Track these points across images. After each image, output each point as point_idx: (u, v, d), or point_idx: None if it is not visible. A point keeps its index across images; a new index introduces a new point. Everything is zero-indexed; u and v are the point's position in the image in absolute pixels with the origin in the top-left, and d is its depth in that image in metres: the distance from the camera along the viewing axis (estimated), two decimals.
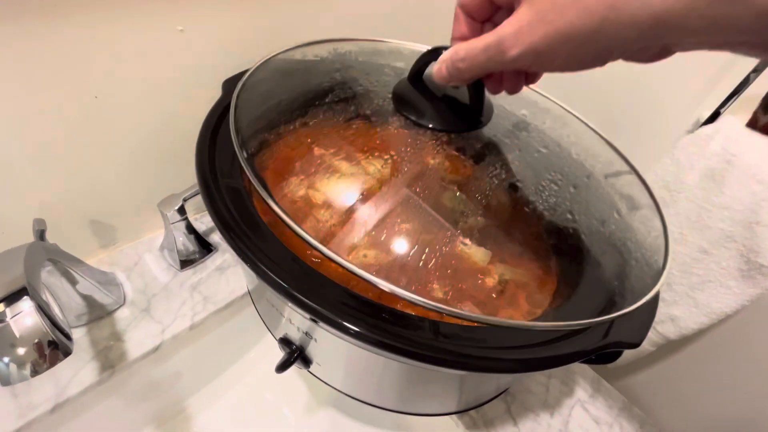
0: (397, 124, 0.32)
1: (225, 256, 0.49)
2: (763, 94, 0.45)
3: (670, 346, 0.63)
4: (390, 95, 0.32)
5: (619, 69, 0.56)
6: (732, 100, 0.43)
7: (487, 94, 0.28)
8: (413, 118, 0.29)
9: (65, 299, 0.38)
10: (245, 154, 0.29)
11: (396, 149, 0.33)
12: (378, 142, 0.34)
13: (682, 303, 0.52)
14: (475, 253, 0.32)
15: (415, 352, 0.21)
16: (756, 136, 0.43)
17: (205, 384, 0.50)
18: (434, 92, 0.30)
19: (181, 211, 0.42)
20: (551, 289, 0.32)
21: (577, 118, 0.39)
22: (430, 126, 0.29)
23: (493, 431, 0.39)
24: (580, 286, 0.28)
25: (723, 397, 0.60)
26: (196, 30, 0.38)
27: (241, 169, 0.33)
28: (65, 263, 0.36)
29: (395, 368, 0.29)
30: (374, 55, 0.43)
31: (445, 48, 0.25)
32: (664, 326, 0.54)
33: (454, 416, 0.40)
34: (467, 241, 0.32)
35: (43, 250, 0.32)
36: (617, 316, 0.23)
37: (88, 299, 0.39)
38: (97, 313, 0.40)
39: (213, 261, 0.48)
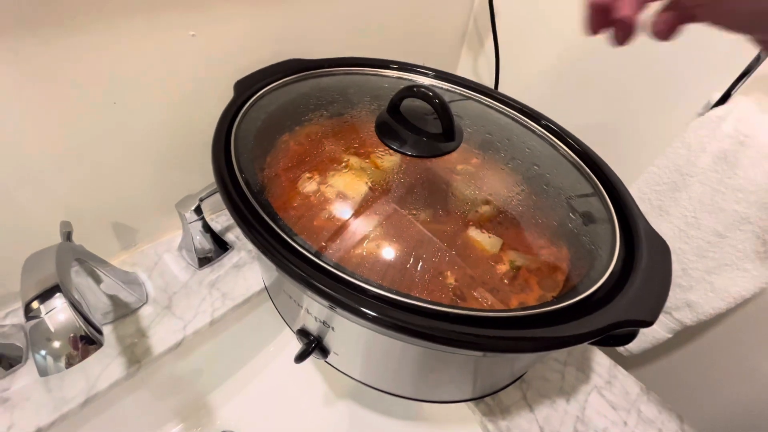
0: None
1: (241, 254, 0.50)
2: None
3: (688, 333, 0.63)
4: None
5: (628, 57, 0.55)
6: (743, 80, 0.43)
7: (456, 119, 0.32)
8: (395, 146, 0.32)
9: (92, 298, 0.39)
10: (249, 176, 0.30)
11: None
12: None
13: (699, 288, 0.51)
14: (486, 241, 0.33)
15: (425, 333, 0.22)
16: None
17: (226, 379, 0.51)
18: (410, 121, 0.33)
19: (198, 211, 0.44)
20: (564, 273, 0.32)
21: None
22: (410, 154, 0.32)
23: (509, 417, 0.40)
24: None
25: (743, 384, 0.59)
26: (207, 35, 0.39)
27: (256, 166, 0.35)
28: (91, 263, 0.37)
29: (411, 354, 0.30)
30: (359, 85, 0.44)
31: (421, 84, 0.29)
32: (681, 312, 0.54)
33: (470, 403, 0.40)
34: (478, 230, 0.33)
35: (70, 251, 0.33)
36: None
37: (113, 298, 0.41)
38: (122, 311, 0.42)
39: (230, 259, 0.49)
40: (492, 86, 0.68)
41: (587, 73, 0.60)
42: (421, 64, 0.48)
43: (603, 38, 0.23)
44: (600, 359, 0.46)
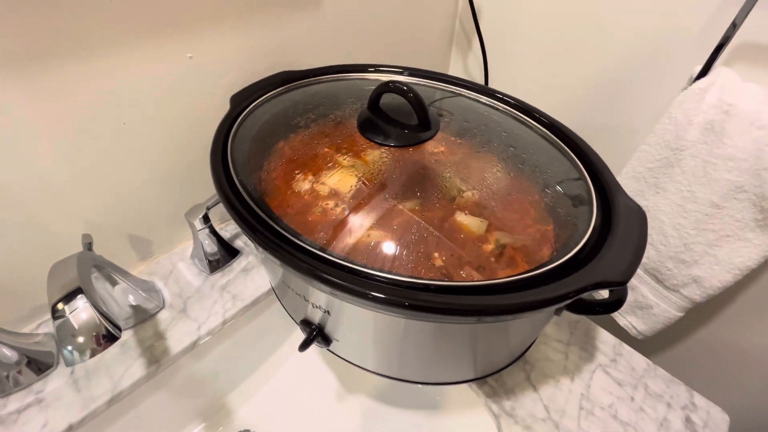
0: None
1: (249, 258, 0.53)
2: (754, 41, 0.44)
3: (705, 314, 0.62)
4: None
5: (609, 42, 0.56)
6: (722, 50, 0.43)
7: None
8: (376, 140, 0.34)
9: (113, 304, 0.42)
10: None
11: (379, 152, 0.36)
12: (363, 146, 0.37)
13: (703, 262, 0.51)
14: (472, 223, 0.34)
15: (409, 304, 0.24)
16: (750, 84, 0.43)
17: (243, 380, 0.54)
18: (389, 115, 0.35)
19: (206, 219, 0.47)
20: (549, 248, 0.33)
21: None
22: (389, 144, 0.34)
23: (513, 398, 0.40)
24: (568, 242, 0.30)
25: (765, 363, 0.58)
26: (204, 55, 0.43)
27: (253, 171, 0.37)
28: (112, 272, 0.41)
29: (406, 331, 0.31)
30: (345, 89, 0.47)
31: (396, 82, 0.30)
32: (688, 289, 0.53)
33: (474, 386, 0.41)
34: (464, 213, 0.34)
35: (90, 258, 0.36)
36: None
37: (133, 305, 0.44)
38: (141, 316, 0.45)
39: (239, 264, 0.52)
40: (482, 83, 0.69)
41: (571, 62, 0.61)
42: (412, 67, 0.50)
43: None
44: (604, 337, 0.46)
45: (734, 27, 0.42)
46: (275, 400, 0.53)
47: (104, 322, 0.30)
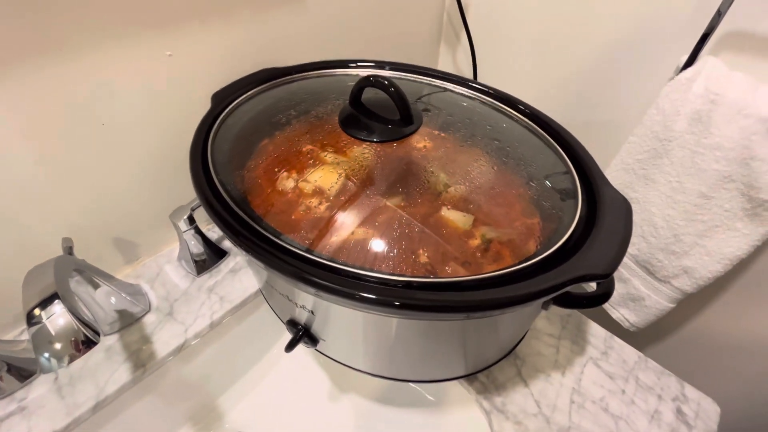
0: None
1: (237, 259, 0.52)
2: (740, 29, 0.44)
3: (693, 303, 0.62)
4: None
5: (598, 34, 0.56)
6: (707, 39, 0.43)
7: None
8: (361, 136, 0.34)
9: (98, 311, 0.42)
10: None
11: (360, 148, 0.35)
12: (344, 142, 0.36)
13: (693, 253, 0.50)
14: (458, 218, 0.34)
15: (393, 303, 0.23)
16: (737, 72, 0.42)
17: (234, 382, 0.53)
18: (371, 110, 0.35)
19: (191, 220, 0.46)
20: (536, 242, 0.33)
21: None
22: (371, 140, 0.33)
23: (504, 393, 0.40)
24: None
25: (755, 353, 0.58)
26: (183, 53, 0.42)
27: (234, 169, 0.37)
28: (93, 275, 0.40)
29: (391, 329, 0.31)
30: (328, 85, 0.46)
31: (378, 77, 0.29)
32: (679, 280, 0.53)
33: (464, 383, 0.41)
34: (449, 208, 0.34)
35: (71, 262, 0.36)
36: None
37: (118, 309, 0.43)
38: (127, 320, 0.44)
39: (226, 265, 0.51)
40: (471, 78, 0.69)
41: (558, 56, 0.61)
42: (398, 62, 0.49)
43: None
44: (595, 331, 0.45)
45: (719, 15, 0.42)
46: (267, 402, 0.53)
47: (82, 327, 0.29)
